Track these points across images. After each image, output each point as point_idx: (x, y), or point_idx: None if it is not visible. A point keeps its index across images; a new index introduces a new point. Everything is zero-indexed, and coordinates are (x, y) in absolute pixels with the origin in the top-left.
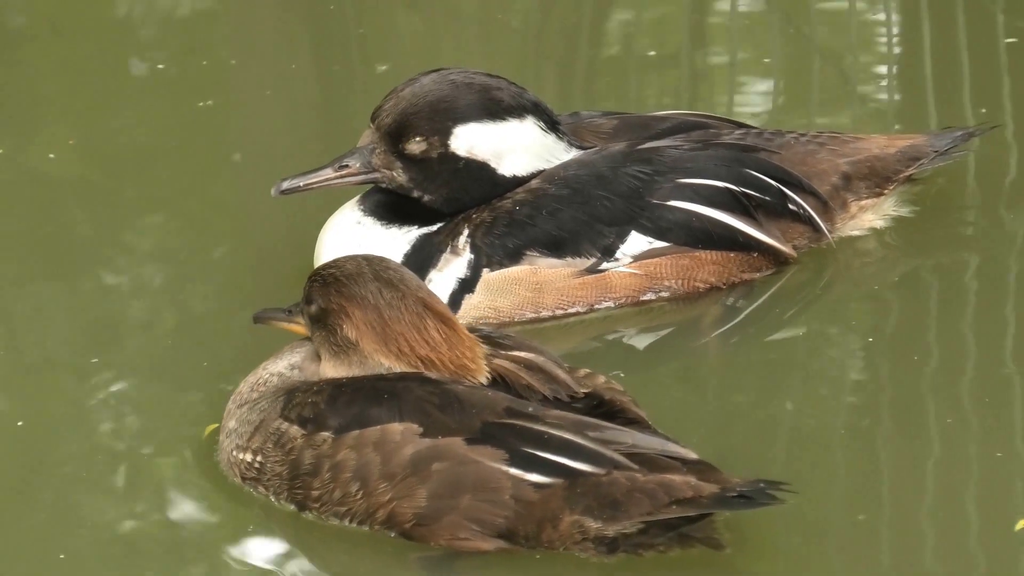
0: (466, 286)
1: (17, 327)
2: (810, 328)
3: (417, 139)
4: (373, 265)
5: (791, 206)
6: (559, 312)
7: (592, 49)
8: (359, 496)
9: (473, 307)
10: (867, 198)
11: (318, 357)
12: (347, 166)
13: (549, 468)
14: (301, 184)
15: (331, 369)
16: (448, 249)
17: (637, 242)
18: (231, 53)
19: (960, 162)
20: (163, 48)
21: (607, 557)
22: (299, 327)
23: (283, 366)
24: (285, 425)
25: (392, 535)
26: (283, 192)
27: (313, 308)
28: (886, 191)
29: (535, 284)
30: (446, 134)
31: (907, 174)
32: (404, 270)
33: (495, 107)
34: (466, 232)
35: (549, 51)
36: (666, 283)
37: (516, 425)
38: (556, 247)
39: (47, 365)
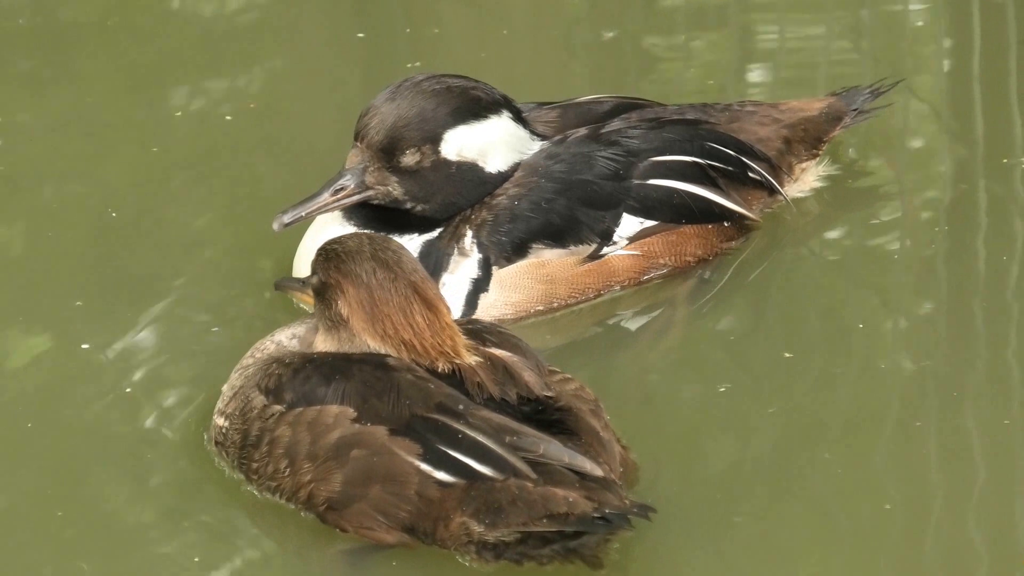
0: (480, 285)
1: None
2: (786, 292)
3: (410, 151)
4: (373, 244)
5: (751, 174)
6: (571, 301)
7: (640, 41)
8: (287, 473)
9: (490, 305)
10: (806, 160)
11: (318, 330)
12: (343, 188)
13: (455, 468)
14: (303, 213)
15: (322, 343)
16: (456, 252)
17: (629, 223)
18: (276, 53)
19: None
20: (214, 40)
21: (490, 563)
22: (311, 298)
23: (286, 335)
24: (254, 394)
25: (311, 517)
26: (286, 225)
27: (315, 280)
28: (819, 152)
29: (546, 276)
30: (437, 141)
31: (835, 134)
32: (403, 252)
33: (476, 107)
34: (470, 233)
35: (597, 39)
36: (661, 261)
37: (439, 421)
38: (558, 237)
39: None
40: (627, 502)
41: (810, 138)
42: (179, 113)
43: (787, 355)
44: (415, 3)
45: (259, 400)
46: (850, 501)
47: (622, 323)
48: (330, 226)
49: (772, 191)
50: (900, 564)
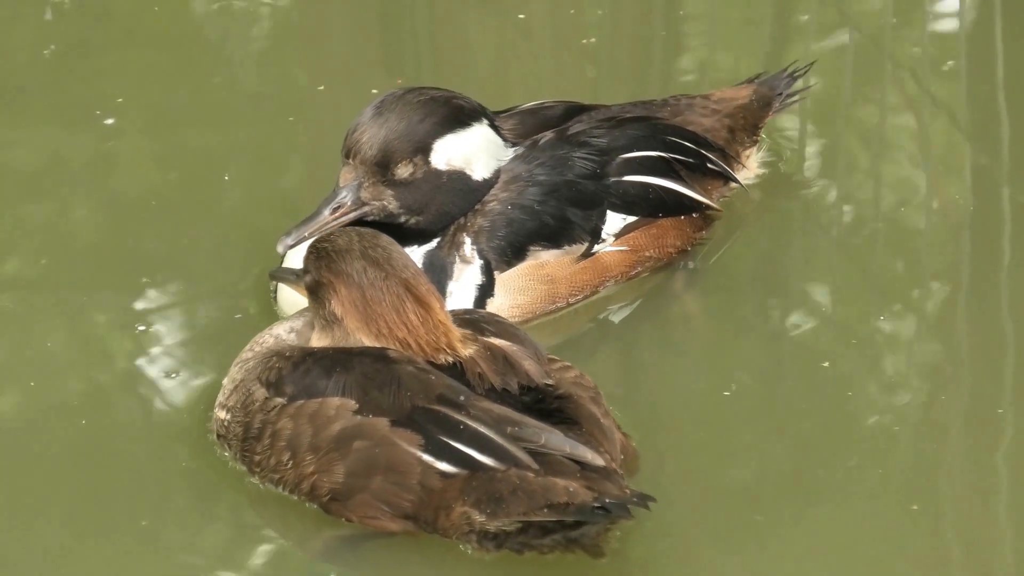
0: (485, 291)
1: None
2: (776, 282)
3: (403, 163)
4: (363, 241)
5: (710, 165)
6: (572, 300)
7: (666, 50)
8: (289, 465)
9: (496, 309)
10: (748, 147)
11: (314, 326)
12: (341, 206)
13: (457, 458)
14: (306, 233)
15: (317, 340)
16: (457, 259)
17: (614, 220)
18: (303, 69)
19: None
20: (237, 58)
21: (491, 552)
22: (304, 291)
23: (284, 328)
24: (255, 387)
25: (315, 507)
26: (290, 246)
27: (308, 278)
28: (758, 138)
29: (546, 276)
30: (427, 151)
31: (768, 119)
32: (393, 248)
33: (460, 115)
34: (469, 240)
35: (621, 54)
36: (647, 254)
37: (440, 412)
38: (553, 237)
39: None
40: (627, 491)
41: (749, 125)
42: (322, 87)
43: (792, 347)
44: (436, 8)
45: (260, 393)
46: (875, 500)
47: (620, 319)
48: None
49: (727, 180)
50: (926, 564)
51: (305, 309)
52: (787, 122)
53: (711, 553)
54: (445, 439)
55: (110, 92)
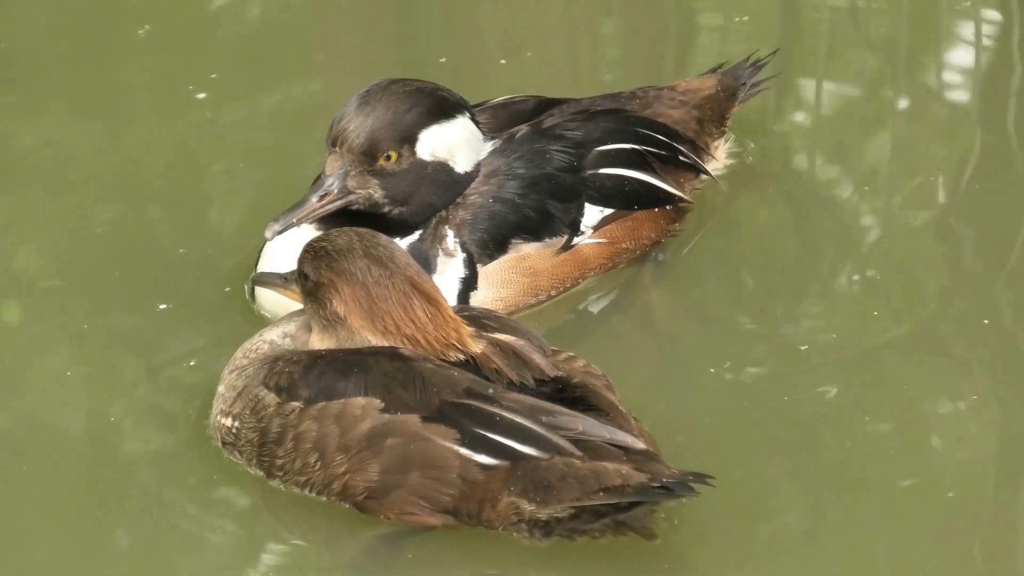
0: (469, 284)
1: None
2: (724, 267)
3: (390, 152)
4: (364, 240)
5: (682, 157)
6: (554, 292)
7: (682, 31)
8: (317, 467)
9: (480, 302)
10: (716, 138)
11: (311, 327)
12: (328, 194)
13: (497, 450)
14: (294, 220)
15: (319, 342)
16: (441, 252)
17: (592, 213)
18: (313, 46)
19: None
20: (250, 39)
21: (542, 541)
22: (293, 295)
23: (276, 334)
24: (263, 392)
25: (347, 506)
26: (278, 233)
27: (305, 280)
28: (725, 128)
29: (528, 269)
30: (413, 141)
31: (734, 110)
32: (394, 247)
33: (445, 106)
34: (451, 233)
35: (635, 34)
36: (623, 246)
37: (472, 406)
38: (534, 230)
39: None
40: (675, 472)
41: (716, 116)
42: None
43: (779, 335)
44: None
45: (271, 398)
46: (910, 490)
47: (598, 310)
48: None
49: (698, 172)
50: (957, 552)
51: (296, 312)
52: (755, 110)
53: (760, 534)
54: (481, 431)
55: (204, 68)
